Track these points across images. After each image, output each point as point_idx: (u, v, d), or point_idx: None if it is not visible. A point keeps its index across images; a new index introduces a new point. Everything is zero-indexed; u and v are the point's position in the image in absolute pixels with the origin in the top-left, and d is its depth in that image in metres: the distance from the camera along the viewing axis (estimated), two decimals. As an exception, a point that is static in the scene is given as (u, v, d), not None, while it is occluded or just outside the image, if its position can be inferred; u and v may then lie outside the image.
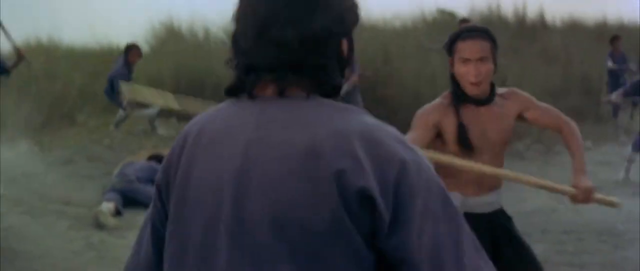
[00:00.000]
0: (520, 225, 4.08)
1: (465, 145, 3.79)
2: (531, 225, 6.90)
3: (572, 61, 14.90)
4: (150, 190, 8.64)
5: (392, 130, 1.62)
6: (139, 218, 8.19)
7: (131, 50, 12.02)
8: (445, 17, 17.68)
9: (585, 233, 7.44)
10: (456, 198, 3.81)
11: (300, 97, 1.63)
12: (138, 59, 12.07)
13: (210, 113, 1.74)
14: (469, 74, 3.75)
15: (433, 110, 3.83)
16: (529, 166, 10.58)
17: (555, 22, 17.71)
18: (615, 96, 11.05)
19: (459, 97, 3.82)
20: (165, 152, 8.86)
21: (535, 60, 14.75)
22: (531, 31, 16.96)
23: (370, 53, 13.83)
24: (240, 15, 1.70)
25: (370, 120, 1.62)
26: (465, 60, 3.75)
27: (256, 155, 1.58)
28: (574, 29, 17.16)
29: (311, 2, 1.65)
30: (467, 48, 3.76)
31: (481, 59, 3.75)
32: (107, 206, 8.20)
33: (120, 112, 12.00)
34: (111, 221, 8.00)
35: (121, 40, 14.09)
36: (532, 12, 17.60)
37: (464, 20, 13.87)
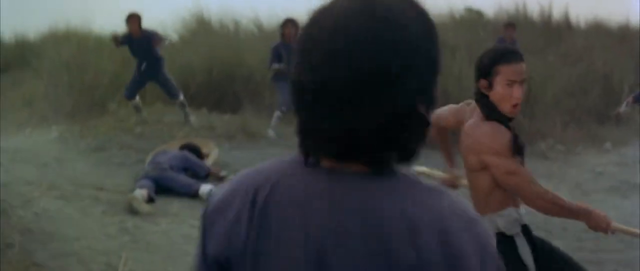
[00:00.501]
0: (541, 223, 4.07)
1: (521, 154, 3.86)
2: (552, 223, 7.01)
3: (595, 62, 14.90)
4: (183, 178, 8.97)
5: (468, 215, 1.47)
6: (171, 206, 8.38)
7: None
8: (473, 16, 17.72)
9: (604, 232, 7.53)
10: (512, 213, 3.94)
11: (377, 173, 1.47)
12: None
13: (279, 172, 1.57)
14: (513, 97, 3.77)
15: (505, 131, 3.82)
16: (550, 166, 10.65)
17: (579, 23, 17.73)
18: (624, 107, 11.00)
19: (497, 118, 3.83)
20: (196, 141, 9.03)
21: (559, 60, 14.77)
22: (556, 31, 16.96)
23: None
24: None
25: (447, 203, 1.46)
26: (511, 83, 3.76)
27: (335, 237, 1.45)
28: (598, 31, 17.16)
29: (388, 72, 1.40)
30: (514, 71, 3.77)
31: (523, 81, 3.80)
32: (141, 192, 8.32)
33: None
34: (144, 207, 8.11)
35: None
36: (557, 13, 17.62)
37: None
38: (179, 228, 7.76)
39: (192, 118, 12.10)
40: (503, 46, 4.27)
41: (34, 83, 13.96)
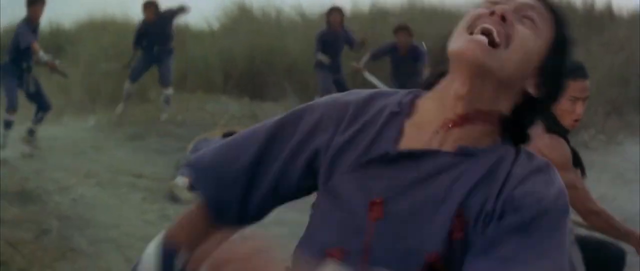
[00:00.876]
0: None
1: (581, 168, 3.91)
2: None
3: (636, 52, 14.65)
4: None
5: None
6: None
7: None
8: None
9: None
10: None
11: None
12: None
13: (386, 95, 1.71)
14: (576, 113, 3.80)
15: (565, 144, 3.84)
16: (592, 155, 10.38)
17: (622, 12, 17.53)
18: None
19: (558, 130, 3.82)
20: (238, 130, 8.85)
21: (601, 49, 14.51)
22: (599, 21, 16.74)
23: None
24: None
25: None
26: (575, 99, 3.77)
27: None
28: (640, 21, 16.95)
29: None
30: (580, 88, 3.76)
31: (586, 99, 3.83)
32: (182, 180, 8.12)
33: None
34: (186, 194, 7.89)
35: (191, 18, 14.09)
36: (600, 2, 17.44)
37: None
38: None
39: (165, 116, 11.77)
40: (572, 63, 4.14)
41: (71, 72, 13.81)
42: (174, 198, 7.91)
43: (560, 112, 3.78)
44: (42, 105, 9.56)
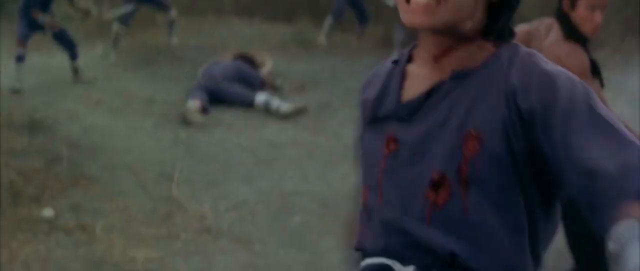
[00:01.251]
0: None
1: (600, 77, 3.96)
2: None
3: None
4: (237, 88, 8.61)
5: None
6: (225, 116, 8.12)
7: None
8: None
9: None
10: None
11: None
12: None
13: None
14: (595, 21, 3.86)
15: (584, 52, 3.89)
16: (609, 76, 10.13)
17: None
18: None
19: (577, 38, 3.90)
20: (251, 52, 8.71)
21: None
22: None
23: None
24: None
25: None
26: (594, 7, 3.84)
27: None
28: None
29: None
30: None
31: (604, 7, 3.88)
32: (194, 103, 8.10)
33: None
34: (198, 117, 7.91)
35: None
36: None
37: None
38: (234, 137, 7.58)
39: (175, 40, 11.43)
40: None
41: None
42: (186, 122, 7.83)
43: (579, 19, 3.86)
44: (66, 45, 9.44)
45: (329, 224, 5.41)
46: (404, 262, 1.76)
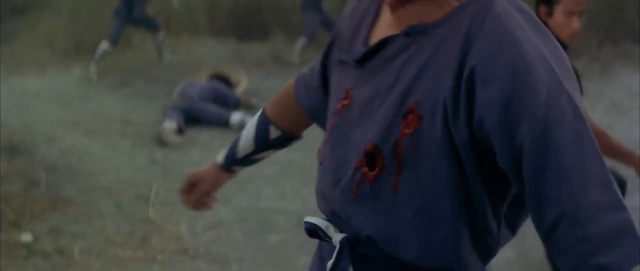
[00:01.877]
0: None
1: (579, 83, 3.88)
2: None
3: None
4: (213, 108, 8.66)
5: None
6: (201, 136, 8.16)
7: None
8: None
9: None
10: None
11: None
12: None
13: None
14: (573, 27, 3.81)
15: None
16: (586, 84, 10.20)
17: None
18: None
19: None
20: (225, 70, 8.77)
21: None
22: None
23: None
24: None
25: None
26: (571, 13, 3.79)
27: None
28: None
29: None
30: (576, 2, 3.80)
31: (582, 13, 3.85)
32: (170, 124, 8.11)
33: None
34: (174, 138, 7.93)
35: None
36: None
37: None
38: (211, 157, 7.37)
39: (168, 57, 11.55)
40: None
41: (54, 23, 13.64)
42: (162, 143, 7.85)
43: (556, 26, 3.79)
44: (149, 25, 9.86)
45: (306, 242, 5.43)
46: (338, 229, 1.63)
